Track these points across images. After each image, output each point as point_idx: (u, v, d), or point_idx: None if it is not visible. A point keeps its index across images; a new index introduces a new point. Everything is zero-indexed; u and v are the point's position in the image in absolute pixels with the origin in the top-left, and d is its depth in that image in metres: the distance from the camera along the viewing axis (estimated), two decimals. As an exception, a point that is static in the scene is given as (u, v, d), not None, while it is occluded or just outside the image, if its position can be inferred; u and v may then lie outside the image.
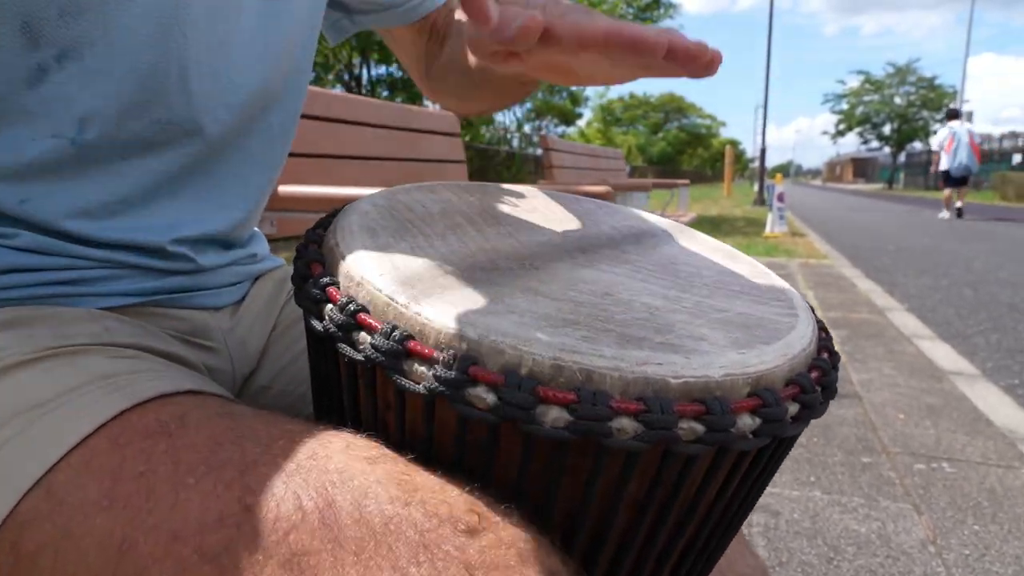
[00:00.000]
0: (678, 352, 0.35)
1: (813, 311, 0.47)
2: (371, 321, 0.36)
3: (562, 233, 0.51)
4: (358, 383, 0.38)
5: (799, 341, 0.40)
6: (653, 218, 0.61)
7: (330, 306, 0.37)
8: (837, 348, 0.44)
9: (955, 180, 11.54)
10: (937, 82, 48.95)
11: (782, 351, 0.38)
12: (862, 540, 1.49)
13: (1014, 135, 29.33)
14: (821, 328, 0.45)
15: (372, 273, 0.38)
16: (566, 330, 0.35)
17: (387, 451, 0.36)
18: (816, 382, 0.39)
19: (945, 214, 11.74)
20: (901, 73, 49.67)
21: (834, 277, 5.20)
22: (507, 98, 0.69)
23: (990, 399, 2.43)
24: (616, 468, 0.35)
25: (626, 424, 0.33)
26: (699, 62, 0.36)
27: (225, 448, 0.35)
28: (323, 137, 1.70)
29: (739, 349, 0.37)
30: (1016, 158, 27.90)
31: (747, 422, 0.35)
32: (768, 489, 1.70)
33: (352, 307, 0.36)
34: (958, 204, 11.76)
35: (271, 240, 1.38)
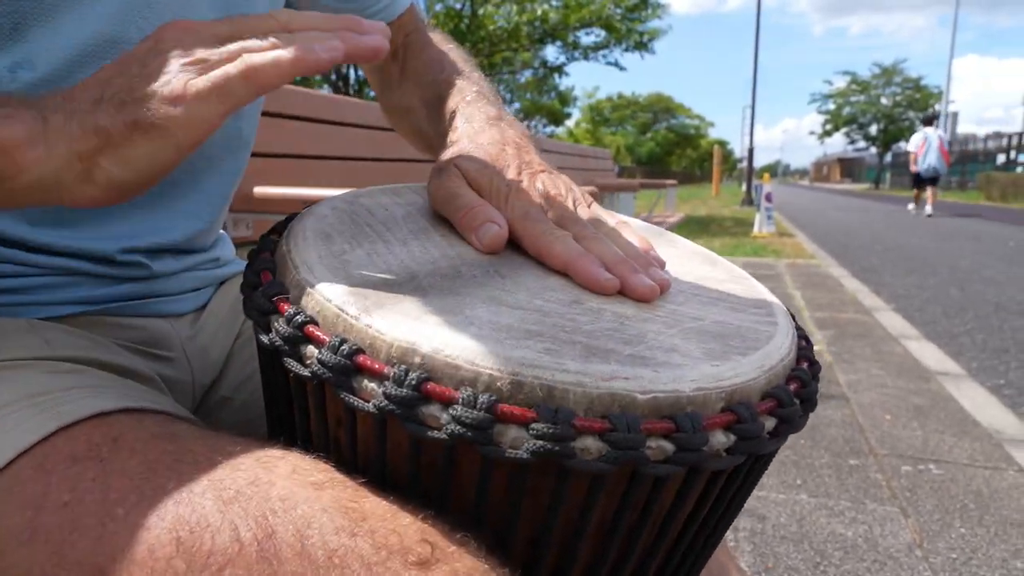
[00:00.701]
0: (647, 365, 0.33)
1: (794, 317, 0.45)
2: (319, 334, 0.33)
3: None
4: (307, 400, 0.36)
5: (777, 351, 0.38)
6: (630, 221, 0.59)
7: (277, 317, 0.35)
8: (824, 349, 0.42)
9: (924, 180, 12.60)
10: (923, 83, 49.33)
11: (759, 362, 0.36)
12: (849, 544, 1.48)
13: (998, 135, 29.56)
14: (801, 336, 0.43)
15: (322, 282, 0.35)
16: (528, 343, 0.32)
17: (337, 475, 0.34)
18: (795, 394, 0.37)
19: (926, 209, 12.63)
20: (887, 74, 50.02)
21: (821, 277, 5.20)
22: None
23: (977, 399, 2.43)
24: (581, 491, 0.32)
25: (590, 444, 0.30)
26: (646, 299, 0.41)
27: (160, 474, 0.33)
28: (304, 138, 1.67)
29: (713, 361, 0.35)
30: (1000, 158, 28.14)
31: (720, 439, 0.33)
32: (755, 492, 1.68)
33: (300, 318, 0.34)
34: (928, 204, 12.66)
35: (248, 243, 1.36)
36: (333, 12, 0.70)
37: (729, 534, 1.51)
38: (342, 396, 0.32)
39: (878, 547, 1.47)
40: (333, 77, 14.17)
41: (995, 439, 2.07)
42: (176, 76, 0.34)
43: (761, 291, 0.47)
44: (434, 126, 0.61)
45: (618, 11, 16.08)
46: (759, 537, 1.51)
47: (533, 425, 0.30)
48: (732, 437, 0.33)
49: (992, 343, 3.31)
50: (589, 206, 0.50)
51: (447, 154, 0.51)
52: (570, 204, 0.48)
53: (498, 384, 0.31)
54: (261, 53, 0.35)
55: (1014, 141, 27.39)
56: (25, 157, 0.32)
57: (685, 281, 0.46)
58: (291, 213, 0.47)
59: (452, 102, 0.58)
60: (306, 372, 0.33)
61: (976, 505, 1.66)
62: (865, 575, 1.37)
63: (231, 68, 0.34)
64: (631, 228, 0.49)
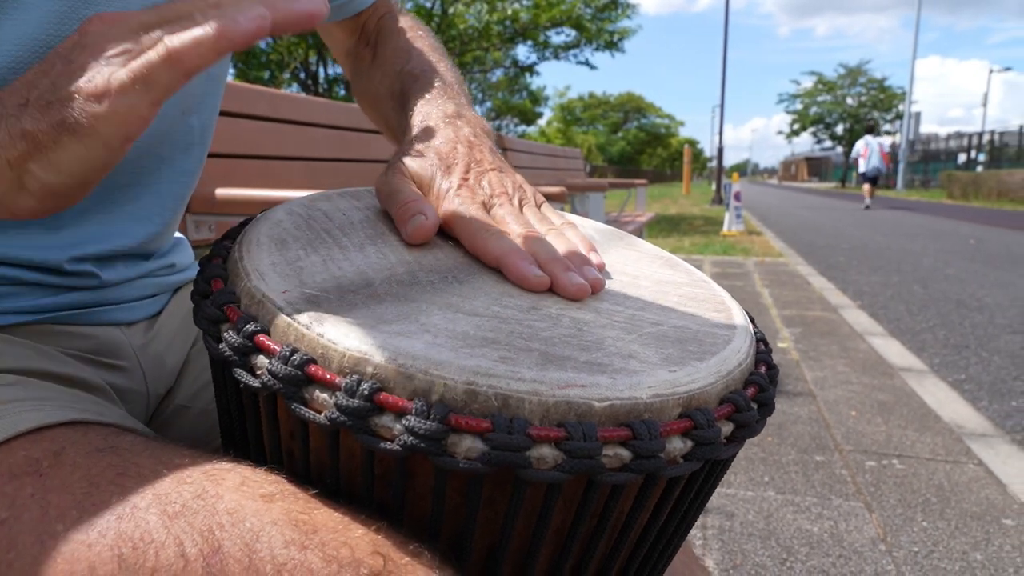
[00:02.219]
0: (604, 372, 0.33)
1: (753, 321, 0.45)
2: (270, 344, 0.32)
3: None
4: (259, 411, 0.35)
5: (735, 356, 0.38)
6: (593, 224, 0.59)
7: (228, 327, 0.34)
8: (791, 346, 0.42)
9: (869, 178, 15.46)
10: (887, 83, 50.23)
11: (716, 368, 0.36)
12: (815, 540, 1.50)
13: (959, 135, 30.24)
14: (760, 340, 0.44)
15: (275, 290, 0.35)
16: (483, 351, 0.32)
17: (288, 486, 0.33)
18: (752, 399, 0.37)
19: (867, 201, 15.34)
20: (852, 74, 50.86)
21: (789, 275, 5.27)
22: None
23: (938, 395, 2.48)
24: (537, 500, 0.32)
25: (546, 453, 0.30)
26: (575, 298, 0.41)
27: (102, 489, 0.32)
28: (268, 138, 1.65)
29: (670, 367, 0.35)
30: (961, 157, 28.79)
31: (677, 446, 0.33)
32: (723, 491, 1.70)
33: (250, 328, 0.33)
34: (867, 200, 15.45)
35: (210, 246, 1.33)
36: None
37: (698, 532, 1.52)
38: (293, 408, 0.31)
39: (843, 542, 1.49)
40: (302, 75, 14.03)
41: (955, 433, 2.11)
42: (99, 71, 0.33)
43: (721, 295, 0.47)
44: (399, 119, 0.60)
45: (588, 11, 16.14)
46: (727, 535, 1.52)
47: (488, 435, 0.29)
48: (689, 443, 0.33)
49: (953, 339, 3.39)
50: (539, 206, 0.50)
51: (397, 152, 0.50)
52: (515, 202, 0.48)
53: (452, 394, 0.30)
54: (181, 34, 0.33)
55: (974, 141, 28.03)
56: None
57: (645, 285, 0.46)
58: (248, 217, 0.46)
59: (413, 97, 0.57)
60: (256, 383, 0.32)
61: (937, 499, 1.69)
62: (830, 570, 1.39)
63: (152, 55, 0.33)
64: (576, 229, 0.49)
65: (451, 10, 15.00)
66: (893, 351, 3.08)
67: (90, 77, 0.33)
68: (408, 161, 0.48)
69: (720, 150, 17.28)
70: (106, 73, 0.33)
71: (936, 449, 1.99)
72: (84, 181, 0.35)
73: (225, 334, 0.34)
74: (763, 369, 0.40)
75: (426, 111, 0.55)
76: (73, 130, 0.33)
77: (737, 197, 8.55)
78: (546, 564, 0.35)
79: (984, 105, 44.46)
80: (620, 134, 63.41)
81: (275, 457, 0.35)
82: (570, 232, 0.48)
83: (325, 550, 0.29)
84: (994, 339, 3.38)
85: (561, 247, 0.44)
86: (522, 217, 0.46)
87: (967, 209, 15.52)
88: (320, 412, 0.31)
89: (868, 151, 15.04)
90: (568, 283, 0.40)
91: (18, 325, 0.48)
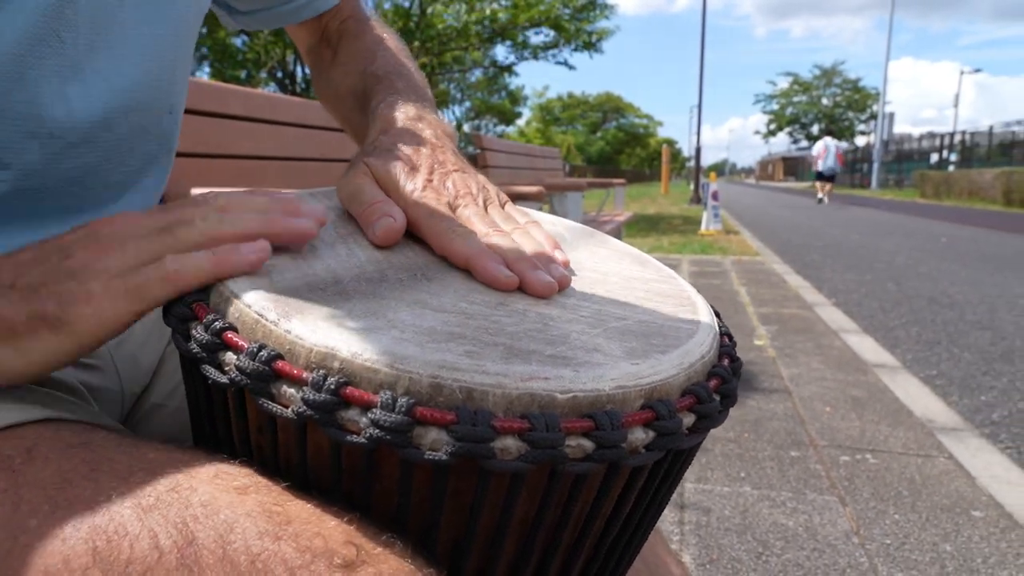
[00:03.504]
0: (568, 365, 0.33)
1: (719, 315, 0.46)
2: (238, 340, 0.33)
3: None
4: (228, 406, 0.36)
5: (698, 348, 0.39)
6: (564, 222, 0.60)
7: (196, 324, 0.35)
8: (767, 344, 0.43)
9: (825, 177, 18.00)
10: (861, 84, 50.95)
11: (678, 360, 0.37)
12: (790, 534, 1.52)
13: (932, 135, 30.71)
14: (725, 333, 0.45)
15: (243, 287, 0.35)
16: (448, 345, 0.33)
17: (260, 479, 0.33)
18: (714, 390, 0.38)
19: (822, 197, 17.57)
20: (827, 75, 51.49)
21: (766, 273, 5.33)
22: None
23: (910, 390, 2.53)
24: (501, 491, 0.33)
25: (510, 444, 0.31)
26: (543, 295, 0.42)
27: (76, 484, 0.32)
28: (241, 137, 1.64)
29: (633, 360, 0.35)
30: (934, 157, 29.24)
31: (639, 436, 0.34)
32: (700, 486, 1.72)
33: (218, 325, 0.33)
34: (823, 195, 17.64)
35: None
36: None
37: (675, 528, 1.54)
38: (261, 403, 0.32)
39: (817, 536, 1.51)
40: (279, 74, 13.92)
41: (927, 428, 2.15)
42: (94, 274, 0.35)
43: (687, 290, 0.48)
44: (360, 119, 0.61)
45: (567, 11, 16.20)
46: (704, 530, 1.54)
47: (452, 427, 0.30)
48: (651, 433, 0.34)
49: (925, 336, 3.45)
50: (503, 205, 0.51)
51: (360, 152, 0.51)
52: (480, 203, 0.48)
53: (417, 387, 0.31)
54: (182, 258, 0.36)
55: (946, 141, 28.49)
56: None
57: (613, 281, 0.47)
58: None
59: (375, 99, 0.58)
60: (224, 379, 0.33)
61: (909, 492, 1.72)
62: (805, 563, 1.41)
63: (151, 271, 0.35)
64: (541, 227, 0.50)
65: (430, 10, 14.98)
66: (867, 348, 3.13)
67: (84, 279, 0.35)
68: (371, 161, 0.48)
69: (698, 150, 17.42)
70: (102, 278, 0.35)
71: (908, 444, 2.03)
72: (41, 371, 0.36)
73: (194, 331, 0.34)
74: (726, 362, 0.41)
75: (388, 113, 0.55)
76: (52, 325, 0.34)
77: (715, 196, 8.62)
78: (512, 554, 0.36)
79: (956, 106, 45.22)
80: (599, 134, 63.66)
81: (244, 452, 0.36)
82: (535, 231, 0.48)
83: (299, 540, 0.29)
84: (964, 335, 3.44)
85: (527, 246, 0.45)
86: (487, 217, 0.47)
87: (939, 208, 15.78)
88: (287, 407, 0.31)
89: (826, 152, 17.45)
90: (536, 281, 0.41)
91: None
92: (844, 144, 20.54)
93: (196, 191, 1.29)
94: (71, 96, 0.47)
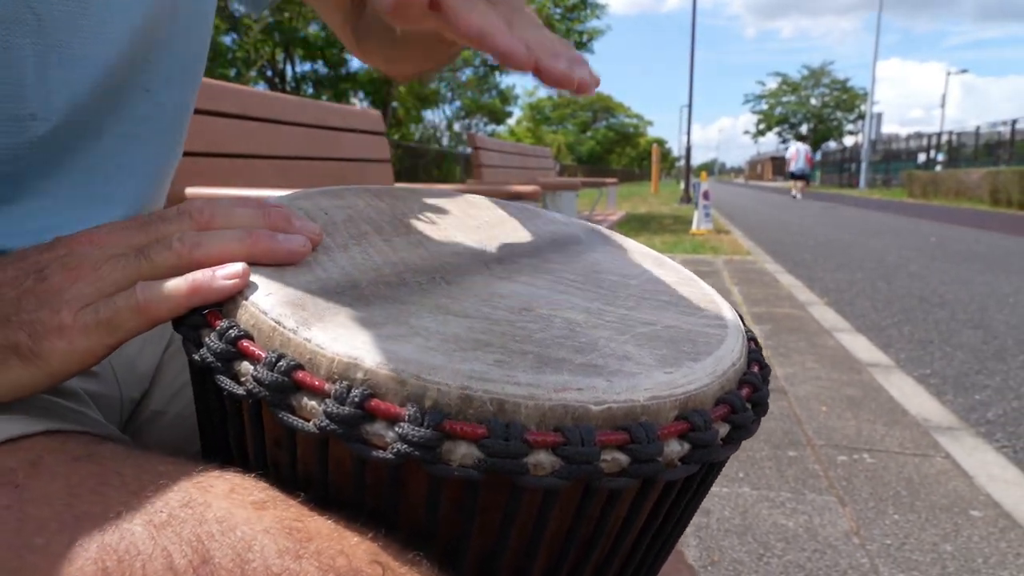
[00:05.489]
0: (600, 374, 0.32)
1: (743, 319, 0.45)
2: (255, 349, 0.31)
3: (479, 242, 0.47)
4: (243, 419, 0.34)
5: (729, 355, 0.37)
6: (577, 222, 0.58)
7: (209, 332, 0.33)
8: (762, 343, 0.41)
9: (797, 176, 20.79)
10: (849, 84, 51.26)
11: (711, 368, 0.35)
12: (790, 535, 1.51)
13: (919, 135, 30.91)
14: (751, 338, 0.43)
15: (258, 293, 0.33)
16: (476, 354, 0.31)
17: (277, 493, 0.32)
18: (747, 399, 0.37)
19: (795, 194, 20.21)
20: (816, 75, 51.76)
21: (757, 273, 5.34)
22: (433, 59, 0.65)
23: (905, 389, 2.53)
24: (534, 507, 0.31)
25: (543, 459, 0.29)
26: (566, 87, 0.36)
27: (84, 499, 0.30)
28: (237, 136, 1.62)
29: (666, 368, 0.34)
30: (921, 157, 29.42)
31: (675, 449, 0.32)
32: (698, 487, 1.71)
33: (233, 333, 0.32)
34: (797, 192, 20.22)
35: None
36: None
37: (675, 529, 1.53)
38: (280, 416, 0.30)
39: (817, 536, 1.50)
40: (269, 73, 13.85)
41: (923, 427, 2.15)
42: (66, 304, 0.34)
43: (710, 293, 0.47)
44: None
45: (557, 11, 16.20)
46: (704, 531, 1.53)
47: (483, 441, 0.28)
48: (687, 446, 0.33)
49: (918, 335, 3.46)
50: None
51: None
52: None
53: (446, 399, 0.29)
54: (153, 287, 0.34)
55: (933, 141, 28.68)
56: None
57: (634, 284, 0.46)
58: None
59: None
60: (241, 390, 0.31)
61: (908, 492, 1.72)
62: (806, 564, 1.40)
63: (120, 301, 0.34)
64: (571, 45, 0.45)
65: (420, 8, 14.93)
66: (860, 347, 3.13)
67: (56, 307, 0.33)
68: None
69: (688, 149, 17.46)
70: (73, 309, 0.34)
71: (904, 443, 2.03)
72: (13, 397, 0.35)
73: (207, 340, 0.32)
74: (756, 368, 0.40)
75: None
76: (24, 356, 0.33)
77: (706, 196, 8.64)
78: (541, 571, 0.34)
79: (943, 106, 45.55)
80: (589, 133, 63.70)
81: (259, 465, 0.34)
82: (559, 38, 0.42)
83: (321, 559, 0.28)
84: (956, 334, 3.45)
85: (553, 41, 0.39)
86: (515, 5, 0.40)
87: (927, 208, 15.89)
88: (308, 420, 0.30)
89: (797, 155, 20.62)
90: (553, 66, 0.36)
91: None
92: (809, 148, 22.75)
93: (191, 190, 1.27)
94: (51, 77, 0.45)
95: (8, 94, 0.43)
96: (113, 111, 0.50)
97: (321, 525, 0.30)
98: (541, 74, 0.36)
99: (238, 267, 0.35)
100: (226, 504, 0.30)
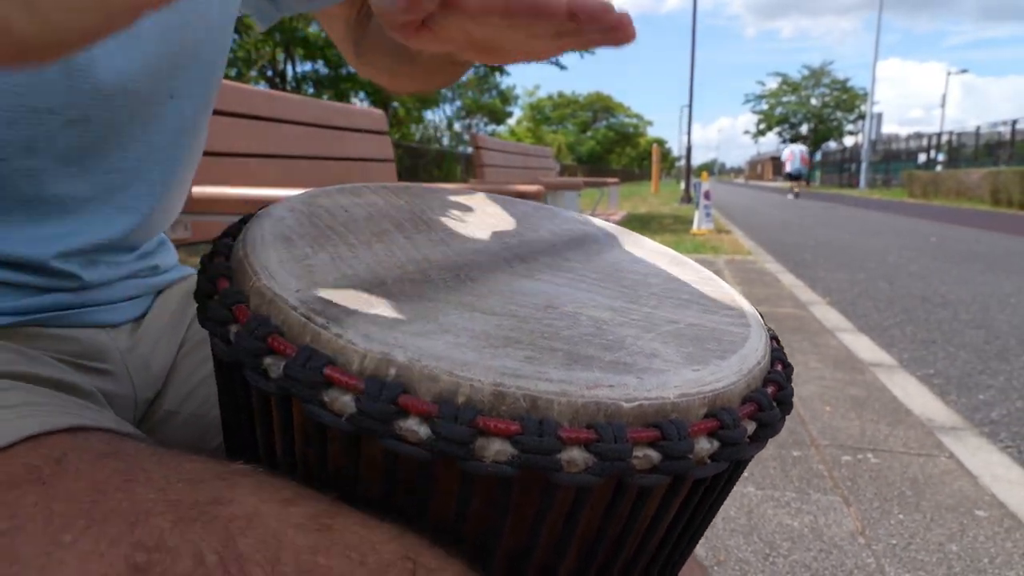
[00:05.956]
0: (631, 372, 0.32)
1: (762, 317, 0.45)
2: (284, 345, 0.31)
3: (499, 239, 0.47)
4: (271, 415, 0.34)
5: (754, 354, 0.37)
6: (593, 221, 0.58)
7: (237, 327, 0.33)
8: None
9: (793, 176, 22.37)
10: (849, 84, 51.25)
11: (737, 366, 0.35)
12: (796, 535, 1.51)
13: (919, 135, 30.91)
14: (772, 337, 0.43)
15: (286, 288, 0.33)
16: (507, 350, 0.31)
17: (305, 490, 0.31)
18: (772, 397, 0.37)
19: (793, 193, 21.18)
20: (816, 75, 51.76)
21: (759, 272, 5.34)
22: (437, 77, 0.65)
23: (908, 389, 2.53)
24: (565, 504, 0.31)
25: (576, 456, 0.29)
26: (605, 23, 0.33)
27: (111, 496, 0.30)
28: (242, 135, 1.61)
29: (693, 366, 0.34)
30: (921, 157, 29.43)
31: (705, 446, 0.32)
32: (704, 487, 1.71)
33: (262, 329, 0.32)
34: (796, 190, 21.42)
35: (185, 244, 1.30)
36: None
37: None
38: (312, 411, 0.30)
39: (823, 536, 1.50)
40: (269, 73, 13.84)
41: (927, 427, 2.15)
42: None
43: (730, 292, 0.47)
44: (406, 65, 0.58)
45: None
46: (710, 531, 1.53)
47: (517, 438, 0.28)
48: (716, 443, 0.32)
49: (920, 335, 3.45)
50: None
51: None
52: None
53: (479, 395, 0.29)
54: None
55: (934, 141, 28.69)
56: None
57: (655, 283, 0.46)
58: (239, 215, 0.45)
59: None
60: (271, 386, 0.31)
61: (912, 492, 1.72)
62: (812, 564, 1.40)
63: None
64: None
65: (420, 8, 14.92)
66: (863, 347, 3.13)
67: None
68: None
69: (689, 149, 17.45)
70: None
71: (909, 443, 2.03)
72: (63, 39, 0.23)
73: (235, 335, 0.32)
74: (779, 367, 0.40)
75: None
76: None
77: (707, 196, 8.63)
78: (571, 567, 0.34)
79: (943, 106, 45.57)
80: (589, 133, 63.72)
81: (286, 462, 0.34)
82: None
83: (352, 555, 0.28)
84: (959, 334, 3.45)
85: None
86: None
87: (928, 208, 15.89)
88: (340, 415, 0.29)
89: (792, 156, 21.93)
90: (591, 4, 0.32)
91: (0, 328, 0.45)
92: (805, 148, 24.02)
93: (197, 190, 1.27)
94: (76, 75, 0.44)
95: (28, 85, 0.42)
96: (138, 114, 0.50)
97: (351, 521, 0.30)
98: (577, 16, 0.32)
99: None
100: (255, 500, 0.30)
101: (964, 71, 51.68)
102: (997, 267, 5.88)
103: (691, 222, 9.06)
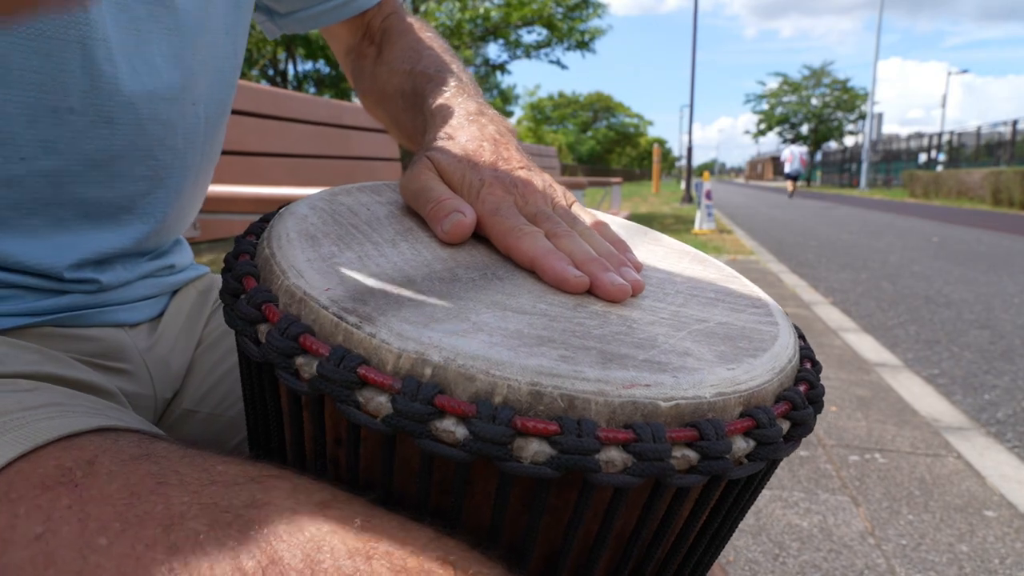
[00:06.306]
0: (665, 371, 0.31)
1: (787, 316, 0.45)
2: (317, 344, 0.31)
3: None
4: (301, 415, 0.33)
5: (785, 352, 0.37)
6: (617, 220, 0.58)
7: (267, 327, 0.32)
8: None
9: (791, 176, 23.29)
10: (850, 84, 51.18)
11: (770, 364, 0.35)
12: (805, 535, 1.51)
13: (919, 135, 30.88)
14: (799, 335, 0.43)
15: (316, 288, 0.33)
16: (542, 349, 0.31)
17: (340, 493, 0.31)
18: (804, 395, 0.36)
19: (791, 192, 22.68)
20: (816, 75, 51.72)
21: (762, 272, 5.33)
22: None
23: (914, 389, 2.52)
24: (602, 505, 0.31)
25: (615, 456, 0.29)
26: (616, 300, 0.39)
27: (145, 499, 0.30)
28: (248, 133, 1.61)
29: (727, 365, 0.33)
30: (922, 157, 29.39)
31: (741, 446, 0.32)
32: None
33: (294, 328, 0.31)
34: (790, 190, 22.73)
35: (194, 243, 1.29)
36: None
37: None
38: (347, 412, 0.29)
39: (832, 536, 1.50)
40: (271, 72, 13.83)
41: (933, 427, 2.14)
42: None
43: (755, 290, 0.46)
44: (411, 119, 0.59)
45: (559, 10, 16.19)
46: (717, 531, 1.52)
47: (555, 438, 0.28)
48: (752, 443, 0.32)
49: (924, 335, 3.45)
50: (570, 205, 0.49)
51: (422, 149, 0.49)
52: (547, 201, 0.46)
53: (516, 395, 0.29)
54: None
55: (934, 141, 28.66)
56: None
57: (680, 281, 0.45)
58: (249, 214, 0.44)
59: (430, 97, 0.56)
60: (304, 386, 0.30)
61: (921, 492, 1.72)
62: (822, 564, 1.40)
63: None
64: (609, 227, 0.48)
65: (423, 8, 14.93)
66: (867, 347, 3.13)
67: None
68: (435, 157, 0.46)
69: (689, 150, 17.43)
70: None
71: (916, 443, 2.02)
72: None
73: (265, 335, 0.32)
74: (809, 365, 0.39)
75: (447, 110, 0.53)
76: None
77: (708, 195, 8.63)
78: (605, 568, 0.34)
79: (943, 106, 45.54)
80: (590, 133, 63.72)
81: (317, 464, 0.34)
82: (604, 231, 0.46)
83: (392, 559, 0.27)
84: (963, 334, 3.45)
85: (597, 247, 0.43)
86: (554, 216, 0.45)
87: (929, 208, 15.88)
88: (376, 416, 0.29)
89: (792, 157, 23.18)
90: (608, 283, 0.38)
91: (19, 328, 0.45)
92: (804, 149, 25.83)
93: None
94: (100, 75, 0.44)
95: (48, 83, 0.42)
96: (163, 119, 0.49)
97: (389, 524, 0.29)
98: (595, 291, 0.39)
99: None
100: (291, 503, 0.30)
101: (965, 71, 51.62)
102: (1000, 267, 5.87)
103: (692, 222, 9.05)
